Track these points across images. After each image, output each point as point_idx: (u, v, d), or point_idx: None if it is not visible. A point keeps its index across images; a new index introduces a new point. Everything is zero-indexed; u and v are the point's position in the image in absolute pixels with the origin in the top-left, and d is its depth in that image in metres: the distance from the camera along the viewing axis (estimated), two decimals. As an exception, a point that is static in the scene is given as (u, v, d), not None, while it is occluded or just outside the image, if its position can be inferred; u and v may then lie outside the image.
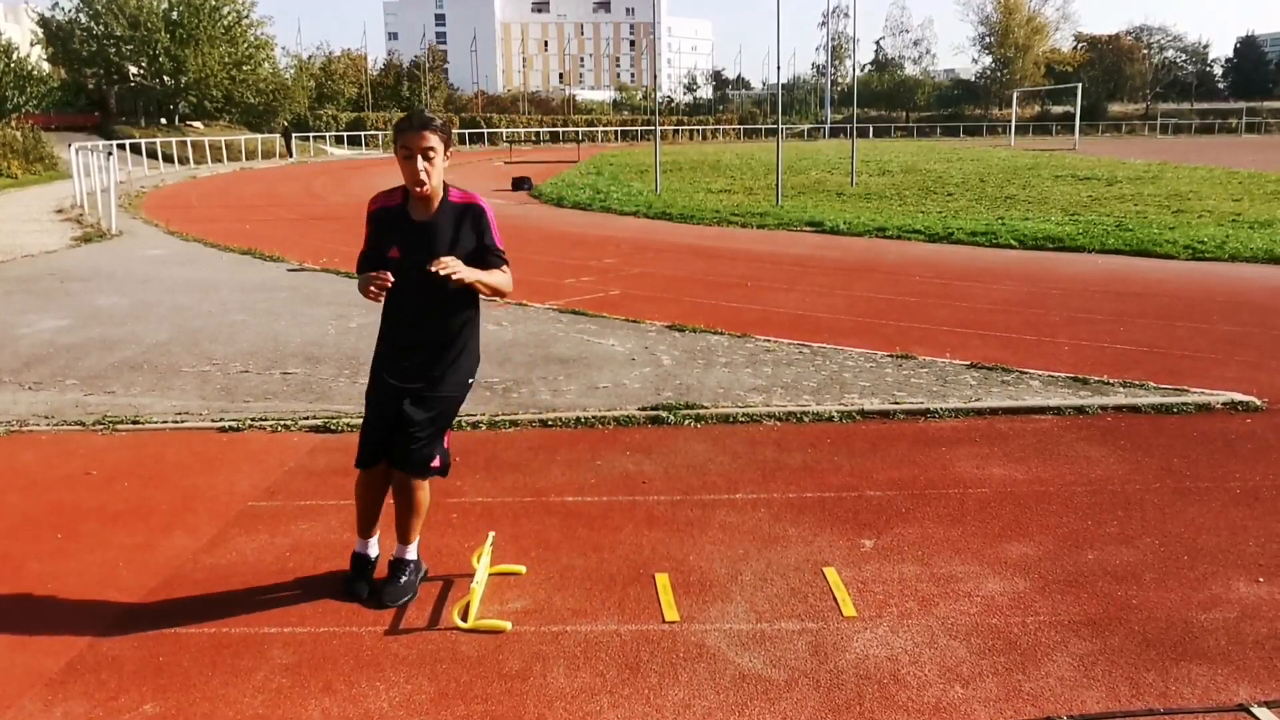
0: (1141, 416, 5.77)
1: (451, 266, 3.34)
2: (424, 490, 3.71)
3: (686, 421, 5.74)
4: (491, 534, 4.01)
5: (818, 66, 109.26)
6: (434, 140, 3.39)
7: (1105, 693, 3.05)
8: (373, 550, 3.86)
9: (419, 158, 3.39)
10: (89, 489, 4.83)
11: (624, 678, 3.18)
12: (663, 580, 3.82)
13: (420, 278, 3.39)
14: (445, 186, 3.54)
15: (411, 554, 3.81)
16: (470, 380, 3.73)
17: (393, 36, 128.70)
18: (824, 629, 3.46)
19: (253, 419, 5.83)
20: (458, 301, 3.58)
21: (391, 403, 3.62)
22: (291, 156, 46.66)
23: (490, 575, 3.76)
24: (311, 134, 53.67)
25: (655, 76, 60.05)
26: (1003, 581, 3.79)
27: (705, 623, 3.52)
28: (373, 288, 3.40)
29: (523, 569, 3.88)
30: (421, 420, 3.59)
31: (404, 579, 3.76)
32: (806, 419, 5.77)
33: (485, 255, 3.54)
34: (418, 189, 3.44)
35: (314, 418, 5.84)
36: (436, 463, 3.69)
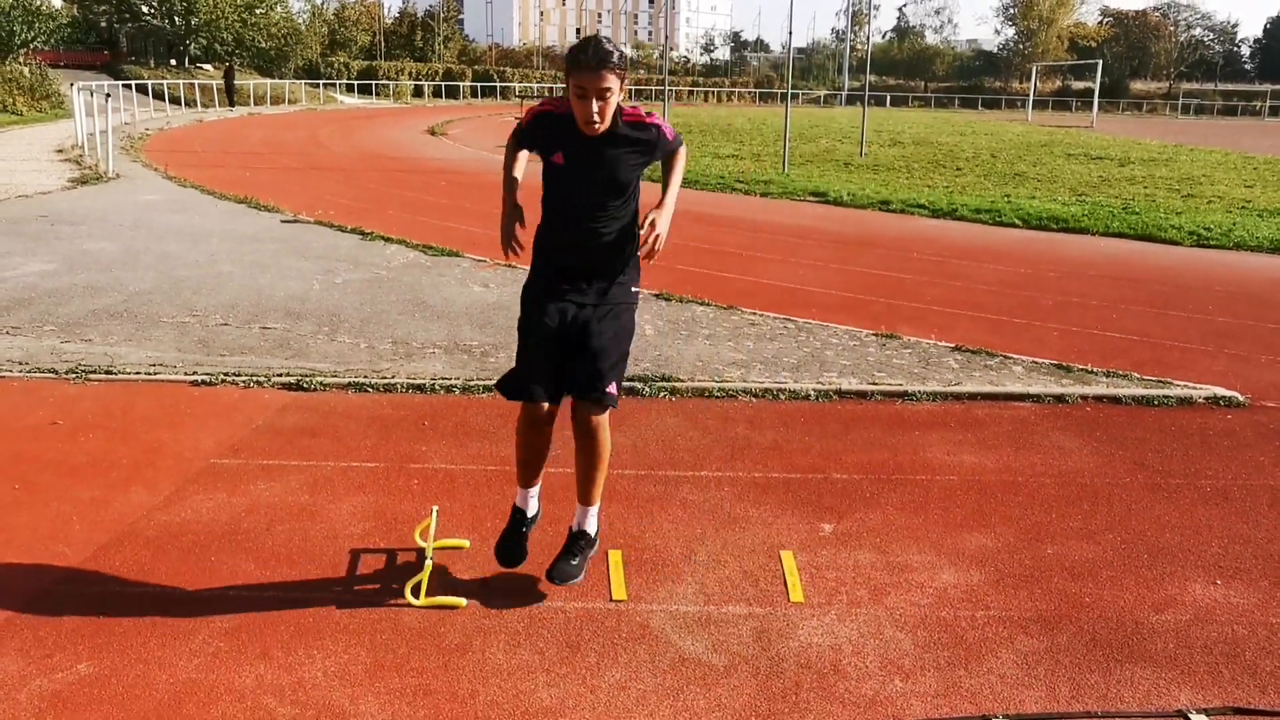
0: (1121, 408, 5.71)
1: (660, 230, 3.22)
2: (607, 430, 3.37)
3: (661, 394, 5.70)
4: (435, 508, 3.98)
5: (837, 31, 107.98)
6: (612, 80, 3.07)
7: (1045, 693, 3.03)
8: (532, 506, 3.59)
9: (594, 99, 3.08)
10: (53, 439, 4.81)
11: (563, 656, 3.16)
12: (615, 557, 3.79)
13: (586, 189, 3.24)
14: (618, 108, 3.20)
15: (592, 524, 3.54)
16: (638, 290, 3.48)
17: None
18: (770, 614, 3.43)
19: (226, 374, 5.80)
20: (623, 210, 3.33)
21: (563, 326, 3.30)
22: (233, 106, 40.19)
23: (435, 549, 3.73)
24: (322, 81, 53.26)
25: (667, 38, 59.29)
26: (957, 573, 3.75)
27: (652, 603, 3.49)
28: (513, 248, 3.28)
29: (466, 543, 3.85)
30: (607, 340, 3.30)
31: (577, 559, 3.48)
32: (782, 396, 5.72)
33: (661, 156, 3.41)
34: (590, 128, 3.14)
35: (288, 375, 5.80)
36: (614, 389, 3.32)
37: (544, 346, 3.32)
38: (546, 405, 3.35)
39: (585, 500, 3.53)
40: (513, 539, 3.58)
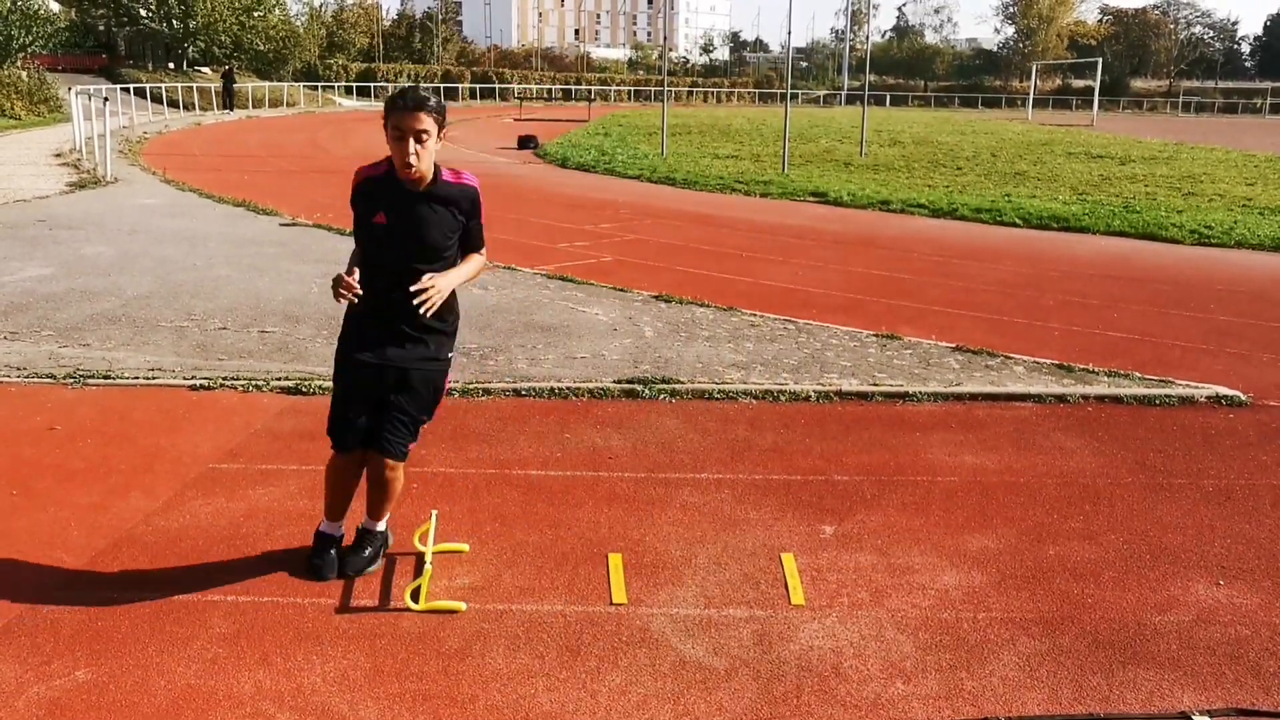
0: (1122, 407, 5.69)
1: (432, 295, 3.31)
2: (401, 471, 3.60)
3: (661, 396, 5.68)
4: (435, 512, 3.97)
5: (837, 31, 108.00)
6: (428, 122, 3.24)
7: (1047, 694, 3.01)
8: (339, 531, 3.73)
9: (410, 140, 3.23)
10: (51, 445, 4.79)
11: (563, 660, 3.14)
12: (615, 560, 3.77)
13: (403, 245, 3.35)
14: (436, 167, 3.38)
15: (381, 526, 3.75)
16: (450, 354, 3.61)
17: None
18: (771, 617, 3.42)
19: (225, 378, 5.79)
20: (439, 269, 3.42)
21: (372, 382, 3.47)
22: (232, 109, 39.36)
23: (434, 553, 3.71)
24: (320, 84, 53.26)
25: (666, 39, 59.31)
26: (959, 575, 3.74)
27: (653, 606, 3.48)
28: (342, 292, 3.29)
29: (466, 547, 3.84)
30: (410, 405, 3.50)
31: (369, 550, 3.68)
32: (783, 398, 5.71)
33: (470, 236, 3.52)
34: (407, 171, 3.29)
35: (286, 379, 5.79)
36: (413, 445, 3.59)
37: (354, 403, 3.51)
38: (356, 454, 3.57)
39: (375, 516, 3.72)
40: (325, 556, 3.65)
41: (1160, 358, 6.77)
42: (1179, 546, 4.00)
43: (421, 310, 3.34)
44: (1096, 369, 6.33)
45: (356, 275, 3.34)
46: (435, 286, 3.34)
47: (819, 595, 3.57)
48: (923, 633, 3.33)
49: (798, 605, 3.50)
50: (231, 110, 38.97)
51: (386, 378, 3.47)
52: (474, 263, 3.58)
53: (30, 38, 37.85)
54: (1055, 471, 4.75)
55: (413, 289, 3.30)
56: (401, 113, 3.23)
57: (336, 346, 3.58)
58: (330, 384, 3.68)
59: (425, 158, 3.29)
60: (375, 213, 3.38)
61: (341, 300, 3.33)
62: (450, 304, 3.54)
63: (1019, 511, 4.30)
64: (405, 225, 3.36)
